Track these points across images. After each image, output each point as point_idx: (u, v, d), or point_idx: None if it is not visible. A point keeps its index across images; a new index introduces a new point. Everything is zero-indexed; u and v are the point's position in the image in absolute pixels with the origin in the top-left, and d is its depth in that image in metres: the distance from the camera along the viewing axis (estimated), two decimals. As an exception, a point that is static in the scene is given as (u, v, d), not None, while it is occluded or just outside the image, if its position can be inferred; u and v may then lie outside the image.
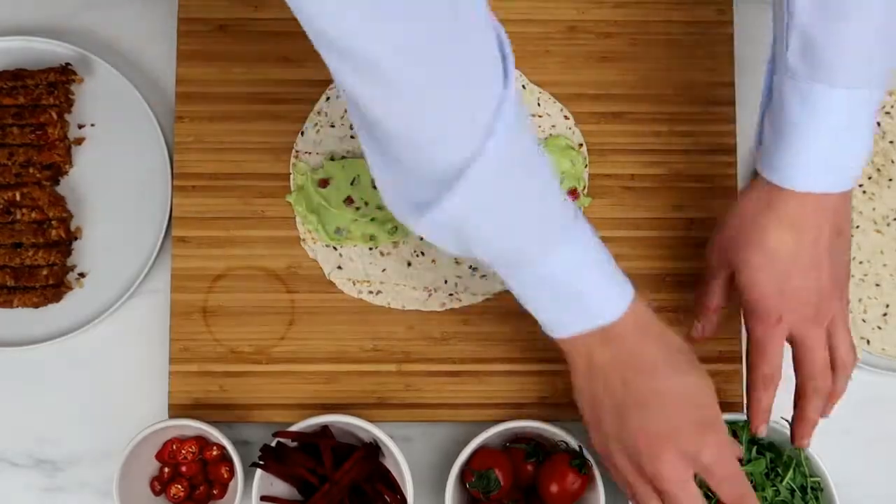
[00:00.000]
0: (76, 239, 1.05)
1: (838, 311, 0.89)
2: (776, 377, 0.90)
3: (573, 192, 1.03)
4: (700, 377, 0.86)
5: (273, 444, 0.97)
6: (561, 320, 0.84)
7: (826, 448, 0.98)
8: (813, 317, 0.88)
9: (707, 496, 0.88)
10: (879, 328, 1.04)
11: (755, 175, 0.89)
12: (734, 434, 0.98)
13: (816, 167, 0.85)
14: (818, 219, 0.86)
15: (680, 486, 0.83)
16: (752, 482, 0.92)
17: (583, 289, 0.82)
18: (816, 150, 0.84)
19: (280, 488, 0.98)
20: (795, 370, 0.91)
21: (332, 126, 1.05)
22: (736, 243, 0.89)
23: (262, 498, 0.96)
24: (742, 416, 0.97)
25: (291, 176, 1.04)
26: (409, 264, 1.03)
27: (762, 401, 0.91)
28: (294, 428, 0.96)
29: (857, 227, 1.05)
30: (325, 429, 0.99)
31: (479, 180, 0.73)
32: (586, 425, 0.88)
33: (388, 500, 0.97)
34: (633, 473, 0.85)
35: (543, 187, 0.80)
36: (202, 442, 1.01)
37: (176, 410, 1.02)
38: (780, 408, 1.02)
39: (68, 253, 1.04)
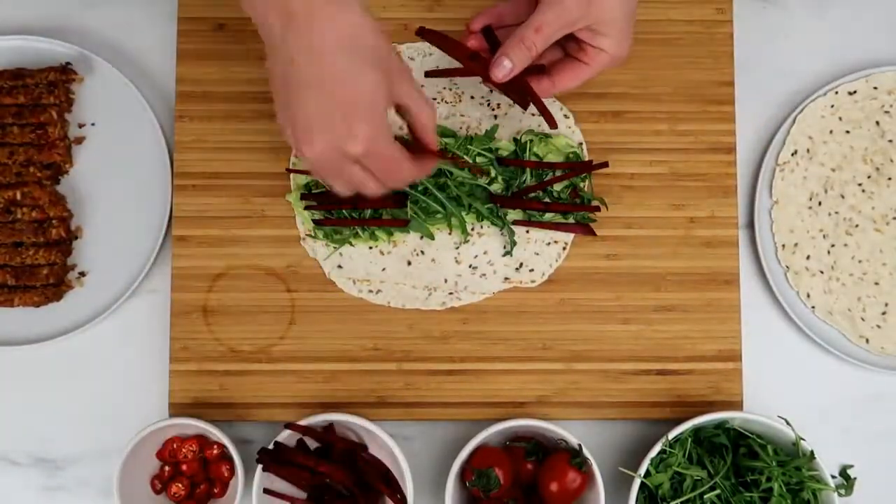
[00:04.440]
0: (76, 238, 1.05)
1: None
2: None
3: (574, 193, 1.03)
4: (373, 73, 0.79)
5: (270, 445, 0.97)
6: None
7: (825, 446, 0.98)
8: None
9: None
10: (878, 327, 1.04)
11: None
12: (727, 431, 0.99)
13: None
14: None
15: (333, 171, 0.82)
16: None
17: None
18: None
19: (281, 485, 0.98)
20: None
21: (332, 125, 1.05)
22: None
23: (265, 491, 0.96)
24: (739, 414, 0.97)
25: (291, 175, 1.04)
26: (409, 263, 1.03)
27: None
28: (294, 427, 0.97)
29: (857, 225, 1.05)
30: (329, 427, 0.99)
31: None
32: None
33: (389, 498, 0.97)
34: (306, 160, 0.82)
35: None
36: (202, 441, 1.01)
37: (176, 409, 1.02)
38: (779, 407, 1.02)
39: (69, 252, 1.04)
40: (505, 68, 0.88)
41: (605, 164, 1.03)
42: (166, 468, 1.01)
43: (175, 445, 1.00)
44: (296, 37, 0.79)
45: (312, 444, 1.00)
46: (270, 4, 0.80)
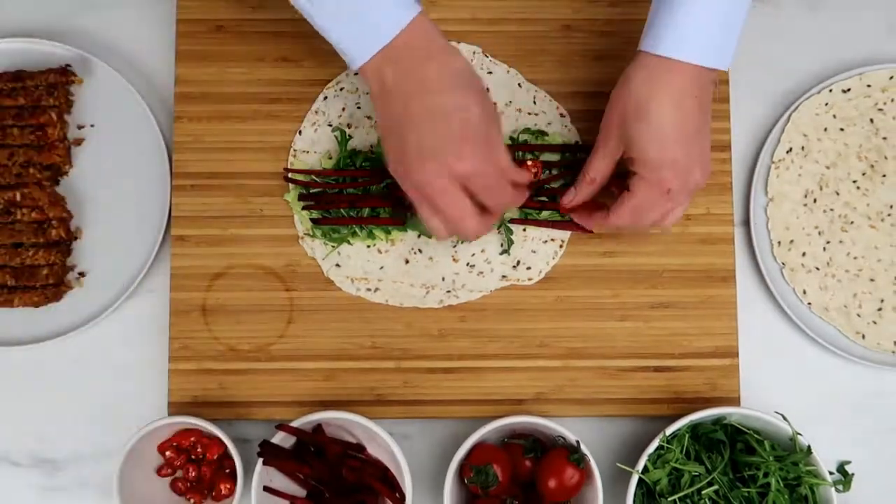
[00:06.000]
0: (76, 239, 1.05)
1: (700, 182, 0.93)
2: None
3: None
4: (475, 95, 0.89)
5: (271, 440, 0.97)
6: (355, 44, 0.88)
7: (822, 441, 0.99)
8: (686, 187, 0.93)
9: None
10: (874, 323, 1.05)
11: (638, 55, 0.92)
12: (725, 427, 0.99)
13: (698, 40, 0.89)
14: (695, 92, 0.90)
15: (439, 193, 0.88)
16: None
17: (365, 2, 0.86)
18: (699, 24, 0.89)
19: (280, 483, 0.98)
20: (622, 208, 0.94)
21: (330, 125, 1.05)
22: (626, 120, 0.92)
23: (265, 488, 0.96)
24: (736, 410, 0.97)
25: (290, 174, 1.05)
26: (407, 262, 1.04)
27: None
28: (294, 425, 0.97)
29: (852, 222, 1.06)
30: (318, 428, 0.99)
31: None
32: (385, 154, 0.92)
33: (387, 497, 0.97)
34: (416, 195, 0.90)
35: None
36: (202, 439, 1.01)
37: (175, 408, 1.02)
38: (776, 403, 1.03)
39: (68, 252, 1.05)
40: (569, 195, 0.99)
41: None
42: (166, 467, 1.01)
43: (174, 444, 1.00)
44: (406, 79, 0.88)
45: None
46: (384, 61, 0.88)
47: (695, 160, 0.92)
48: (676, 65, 0.89)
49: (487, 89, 0.98)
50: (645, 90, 0.90)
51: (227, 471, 1.01)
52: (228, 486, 1.00)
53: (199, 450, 1.01)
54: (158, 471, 1.01)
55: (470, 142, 0.88)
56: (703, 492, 0.96)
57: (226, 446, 0.98)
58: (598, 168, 0.96)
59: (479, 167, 0.89)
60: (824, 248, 1.05)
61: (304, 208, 1.03)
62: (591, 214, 1.00)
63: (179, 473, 1.01)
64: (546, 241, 1.04)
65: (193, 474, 1.00)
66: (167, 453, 1.00)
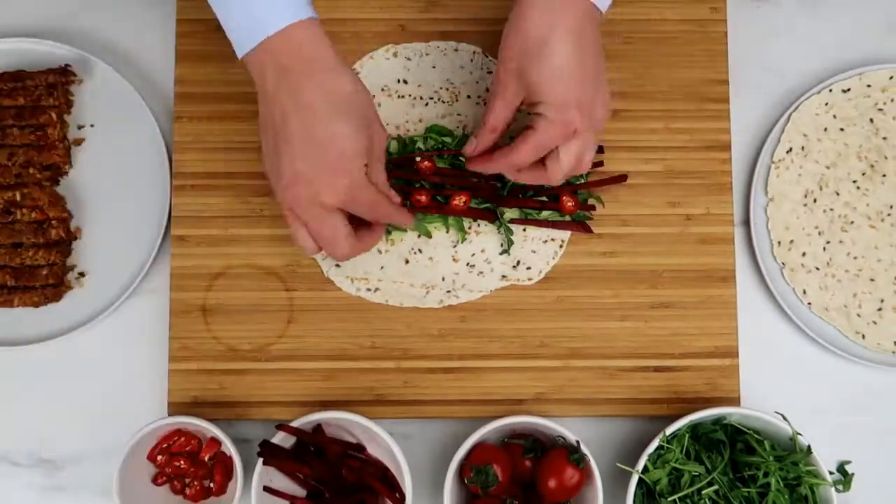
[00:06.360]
0: (76, 239, 1.05)
1: (602, 121, 0.92)
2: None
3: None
4: (355, 121, 0.87)
5: (271, 440, 0.97)
6: (238, 31, 0.86)
7: (822, 441, 0.99)
8: (592, 126, 0.90)
9: None
10: (874, 323, 1.05)
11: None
12: (725, 427, 0.99)
13: None
14: (594, 34, 0.89)
15: (310, 217, 0.88)
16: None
17: None
18: None
19: (280, 483, 0.98)
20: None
21: (330, 125, 1.05)
22: (525, 61, 0.87)
23: (265, 488, 0.96)
24: (736, 410, 0.97)
25: (289, 175, 1.05)
26: (407, 262, 1.04)
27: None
28: (294, 425, 0.97)
29: (852, 222, 1.06)
30: (318, 428, 0.99)
31: None
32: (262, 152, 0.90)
33: (387, 497, 0.97)
34: (286, 209, 0.90)
35: None
36: (202, 439, 1.01)
37: (175, 408, 1.02)
38: (776, 403, 1.03)
39: (68, 252, 1.05)
40: (471, 144, 0.95)
41: (601, 164, 1.04)
42: (166, 468, 1.01)
43: (174, 444, 1.00)
44: (288, 93, 0.86)
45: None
46: (267, 58, 0.86)
47: (598, 99, 0.89)
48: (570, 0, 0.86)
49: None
50: (543, 28, 0.86)
51: (227, 471, 1.01)
52: (228, 485, 1.01)
53: (187, 449, 1.01)
54: (154, 480, 1.01)
55: (342, 173, 0.87)
56: (703, 492, 0.96)
57: (225, 446, 0.98)
58: (499, 116, 0.92)
59: (352, 195, 0.88)
60: (824, 248, 1.05)
61: None
62: (491, 156, 0.94)
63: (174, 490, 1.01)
64: (546, 241, 1.04)
65: (182, 490, 1.00)
66: (158, 457, 1.00)
